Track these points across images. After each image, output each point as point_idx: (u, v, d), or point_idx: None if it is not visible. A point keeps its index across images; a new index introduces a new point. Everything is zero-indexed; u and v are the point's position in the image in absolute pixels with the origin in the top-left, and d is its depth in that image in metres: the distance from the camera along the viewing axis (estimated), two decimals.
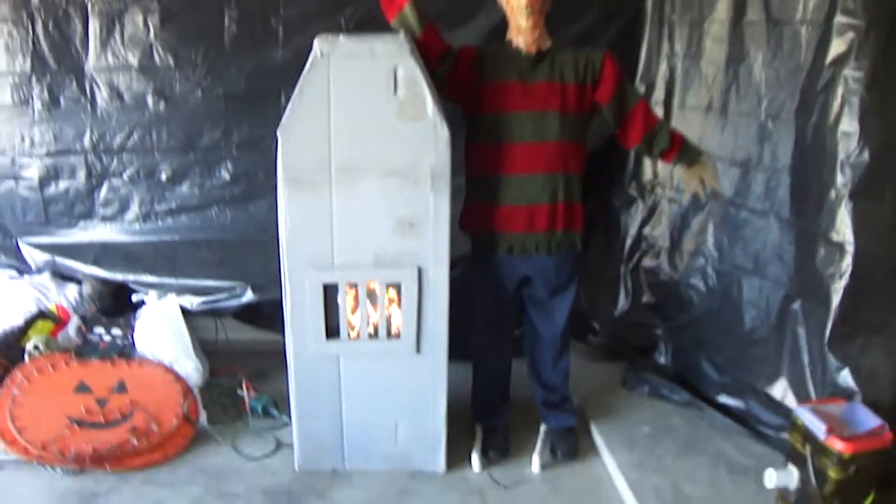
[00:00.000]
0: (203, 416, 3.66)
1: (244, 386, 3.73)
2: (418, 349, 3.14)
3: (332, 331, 3.11)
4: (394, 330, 3.16)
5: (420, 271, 3.03)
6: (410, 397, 3.24)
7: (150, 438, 3.42)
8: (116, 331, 3.92)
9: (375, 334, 3.14)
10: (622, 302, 4.28)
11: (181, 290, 4.03)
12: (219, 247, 4.01)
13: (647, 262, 4.22)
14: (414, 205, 2.98)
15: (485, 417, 3.59)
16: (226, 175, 3.97)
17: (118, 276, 4.08)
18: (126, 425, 3.45)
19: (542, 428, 3.63)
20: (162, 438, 3.45)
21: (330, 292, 3.07)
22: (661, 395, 3.94)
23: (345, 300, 3.07)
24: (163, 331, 3.81)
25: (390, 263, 3.02)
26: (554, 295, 3.38)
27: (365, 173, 2.95)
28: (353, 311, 3.14)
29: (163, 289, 4.05)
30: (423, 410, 3.25)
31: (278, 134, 2.87)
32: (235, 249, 3.98)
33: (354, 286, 3.09)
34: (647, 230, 4.20)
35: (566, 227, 3.25)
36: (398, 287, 3.08)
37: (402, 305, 3.07)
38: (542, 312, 3.44)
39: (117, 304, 4.07)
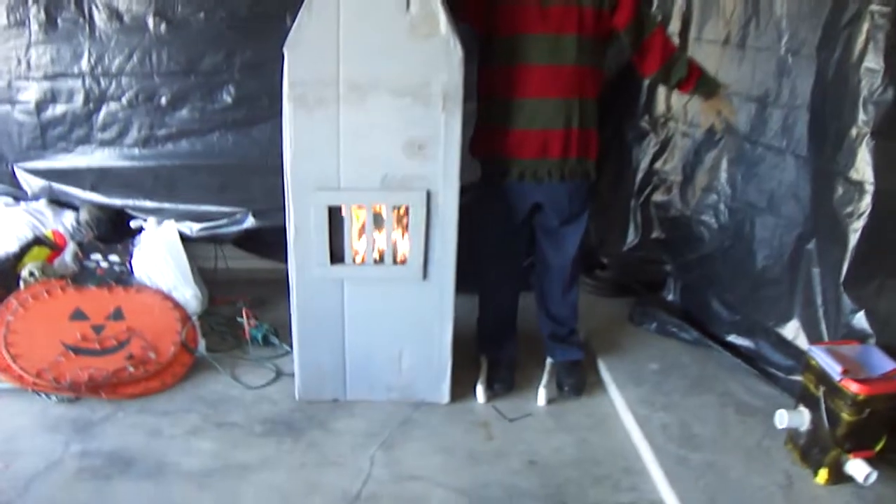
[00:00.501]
0: (202, 345, 3.52)
1: (244, 314, 3.56)
2: (425, 275, 2.98)
3: (336, 255, 2.95)
4: (400, 255, 2.99)
5: (429, 195, 2.86)
6: (415, 325, 3.09)
7: (147, 366, 3.29)
8: (114, 257, 3.76)
9: (381, 260, 2.97)
10: (631, 236, 4.13)
11: (180, 216, 3.85)
12: (220, 172, 3.82)
13: (658, 196, 4.05)
14: (424, 125, 2.80)
15: (490, 350, 3.45)
16: (228, 99, 3.78)
17: (116, 202, 3.90)
18: (122, 353, 3.31)
19: (549, 361, 3.50)
20: (159, 366, 3.32)
21: (335, 215, 2.89)
22: (669, 333, 3.82)
23: (350, 224, 2.89)
24: (161, 257, 3.65)
25: (398, 186, 2.85)
26: (565, 224, 3.23)
27: (374, 91, 2.76)
28: (359, 237, 2.96)
29: (162, 215, 3.87)
30: (428, 339, 3.11)
31: (284, 50, 2.69)
32: (237, 174, 3.80)
33: (360, 209, 2.90)
34: (658, 164, 4.02)
35: (580, 155, 3.09)
36: (406, 211, 2.90)
37: (410, 230, 2.91)
38: (553, 242, 3.29)
39: (115, 231, 3.89)
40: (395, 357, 3.14)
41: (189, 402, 3.22)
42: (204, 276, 3.94)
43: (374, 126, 2.79)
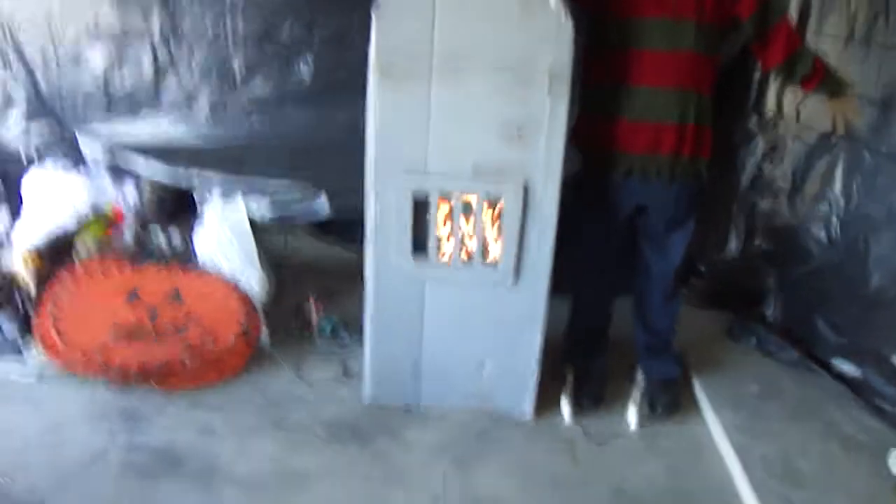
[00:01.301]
0: (264, 335, 3.15)
1: (311, 303, 3.18)
2: (517, 279, 2.57)
3: (419, 248, 2.55)
4: (490, 256, 2.58)
5: (526, 187, 2.45)
6: (502, 333, 2.68)
7: (204, 356, 2.93)
8: (175, 235, 3.41)
9: (468, 258, 2.55)
10: (732, 245, 3.68)
11: (249, 195, 3.46)
12: (292, 150, 3.44)
13: (764, 203, 3.60)
14: (525, 108, 2.39)
15: (579, 360, 3.03)
16: (305, 71, 3.39)
17: (181, 172, 3.50)
18: (178, 339, 2.96)
19: (641, 376, 3.08)
20: (217, 356, 2.95)
21: (420, 204, 2.48)
22: (769, 351, 3.37)
23: (436, 213, 2.48)
24: (226, 238, 3.29)
25: (492, 175, 2.44)
26: (671, 229, 2.81)
27: (472, 66, 2.35)
28: (446, 230, 2.56)
29: (230, 192, 3.47)
30: (514, 349, 2.70)
31: (373, 12, 2.29)
32: (310, 154, 3.42)
33: (448, 198, 2.49)
34: (766, 168, 3.57)
35: (693, 153, 2.67)
36: (498, 203, 2.49)
37: (503, 226, 2.48)
38: (656, 248, 2.86)
39: (178, 207, 3.55)
40: (476, 365, 2.74)
41: (247, 398, 2.87)
42: (271, 261, 3.56)
43: (469, 105, 2.39)
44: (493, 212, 2.54)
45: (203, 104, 3.52)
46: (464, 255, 2.58)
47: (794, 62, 2.67)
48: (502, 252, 2.53)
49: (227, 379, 2.95)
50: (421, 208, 2.50)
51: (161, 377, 2.82)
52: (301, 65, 3.41)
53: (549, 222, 2.50)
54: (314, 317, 3.19)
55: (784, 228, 3.49)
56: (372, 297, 2.63)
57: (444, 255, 2.59)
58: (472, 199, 2.51)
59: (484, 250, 2.57)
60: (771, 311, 3.55)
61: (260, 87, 3.47)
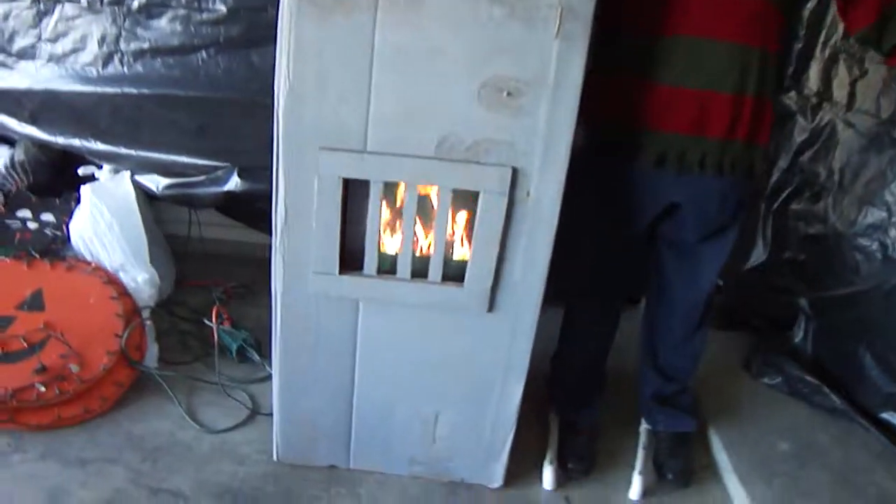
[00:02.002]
0: (152, 353, 2.30)
1: (213, 313, 2.30)
2: (492, 305, 1.72)
3: (350, 259, 1.69)
4: (454, 267, 1.71)
5: (515, 175, 1.59)
6: (466, 377, 1.85)
7: (66, 384, 2.08)
8: (47, 216, 2.54)
9: (423, 272, 1.69)
10: (757, 253, 2.84)
11: (144, 166, 2.59)
12: (201, 108, 2.54)
13: (799, 203, 2.76)
14: (522, 57, 1.53)
15: (567, 408, 2.22)
16: (221, 6, 2.48)
17: (60, 140, 2.62)
18: (32, 361, 2.10)
19: (644, 429, 2.28)
20: (83, 386, 2.11)
21: (354, 195, 1.62)
22: (798, 392, 2.59)
23: (379, 211, 1.61)
24: (105, 221, 2.38)
25: (464, 155, 1.59)
26: (707, 239, 1.99)
27: None
28: (391, 232, 1.69)
29: (120, 162, 2.60)
30: (482, 399, 1.87)
31: None
32: (223, 114, 2.53)
33: (396, 190, 1.63)
34: (804, 159, 2.72)
35: (749, 137, 1.83)
36: (473, 199, 1.62)
37: (476, 230, 1.62)
38: (684, 265, 2.05)
39: (57, 180, 2.63)
40: (428, 419, 1.91)
41: (118, 447, 2.03)
42: (173, 248, 2.68)
43: (434, 50, 1.52)
44: (465, 212, 1.68)
45: (93, 48, 2.59)
46: (414, 263, 1.72)
47: (884, 26, 1.83)
48: (473, 264, 1.67)
49: (97, 415, 2.12)
50: (355, 201, 1.64)
51: (6, 412, 1.99)
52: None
53: (544, 229, 1.65)
54: (215, 329, 2.30)
55: (824, 237, 2.66)
56: (281, 323, 1.77)
57: (385, 257, 1.73)
58: (433, 192, 1.65)
59: (446, 260, 1.70)
60: (800, 338, 2.74)
61: (165, 26, 2.54)
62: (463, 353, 1.79)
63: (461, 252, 1.72)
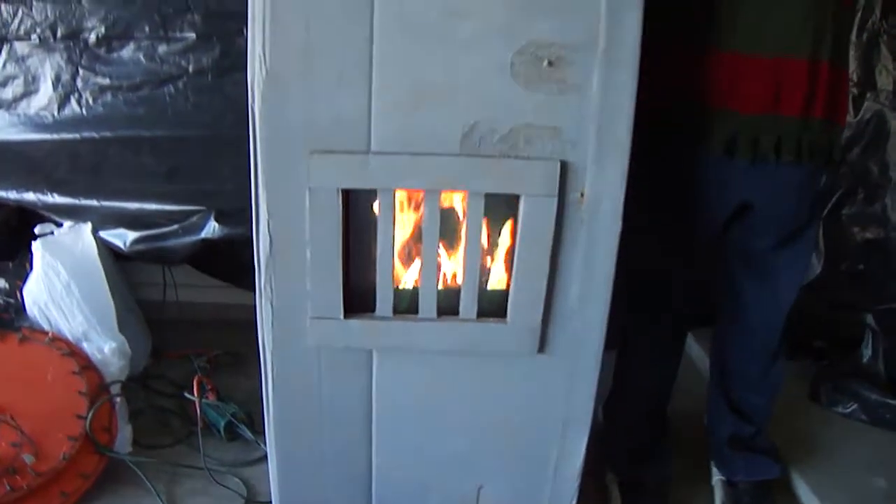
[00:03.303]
0: (124, 436, 1.81)
1: (195, 385, 1.83)
2: (542, 343, 1.25)
3: (358, 298, 1.23)
4: (492, 298, 1.25)
5: (565, 171, 1.13)
6: (515, 439, 1.38)
7: (19, 478, 1.61)
8: None
9: (453, 308, 1.24)
10: (811, 268, 2.37)
11: (108, 219, 2.14)
12: (171, 148, 2.10)
13: (852, 207, 2.30)
14: (564, 15, 1.11)
15: (629, 465, 1.71)
16: (190, 33, 2.07)
17: (13, 195, 2.16)
18: None
19: (719, 480, 1.80)
20: (40, 479, 1.64)
21: (358, 212, 1.17)
22: (880, 419, 2.15)
23: (391, 230, 1.16)
24: (62, 282, 1.92)
25: (498, 149, 1.14)
26: (784, 244, 1.55)
27: None
28: (408, 259, 1.24)
29: (82, 215, 2.14)
30: (536, 465, 1.40)
31: None
32: (196, 153, 2.09)
33: (412, 202, 1.18)
34: (852, 157, 2.27)
35: (827, 114, 1.42)
36: (511, 208, 1.18)
37: (518, 247, 1.17)
38: (760, 278, 1.61)
39: (10, 241, 2.18)
40: (467, 498, 1.41)
41: None
42: (147, 314, 2.22)
43: (453, 12, 1.10)
44: (500, 226, 1.23)
45: (46, 89, 2.17)
46: (439, 298, 1.25)
47: None
48: (516, 292, 1.21)
49: None
50: (359, 221, 1.19)
51: None
52: (184, 25, 2.10)
53: (605, 239, 1.21)
54: (198, 405, 1.82)
55: (884, 241, 2.23)
56: (273, 388, 1.30)
57: (403, 293, 1.27)
58: (459, 201, 1.20)
59: (481, 290, 1.24)
60: (870, 358, 2.31)
61: (128, 58, 2.13)
62: (509, 408, 1.33)
63: (499, 278, 1.27)
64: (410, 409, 1.33)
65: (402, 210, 1.22)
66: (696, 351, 2.45)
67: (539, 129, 1.15)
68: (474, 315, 1.25)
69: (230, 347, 2.19)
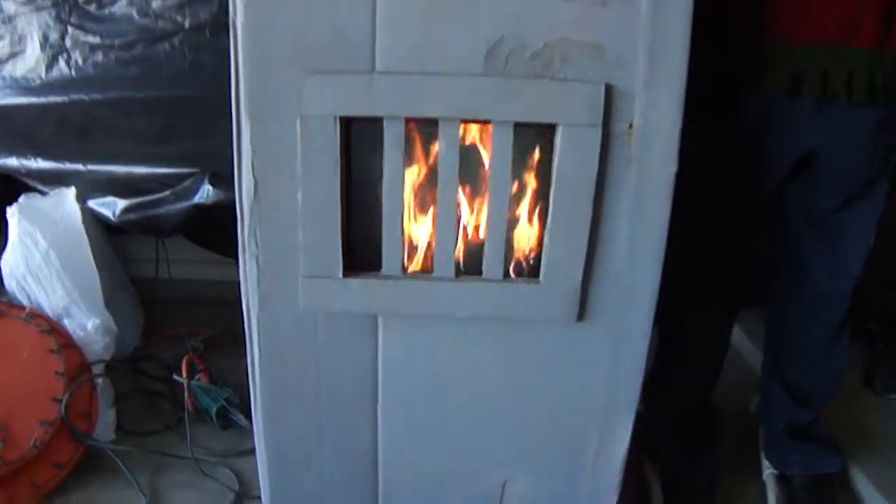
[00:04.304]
0: (106, 422, 1.61)
1: (184, 365, 1.62)
2: (583, 309, 1.01)
3: (360, 253, 1.01)
4: (520, 256, 1.02)
5: (609, 95, 0.90)
6: (548, 424, 1.14)
7: None
8: None
9: (474, 267, 1.00)
10: None
11: (96, 185, 1.94)
12: (164, 109, 1.90)
13: None
14: None
15: (674, 457, 1.48)
16: None
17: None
18: None
19: (771, 474, 1.56)
20: (8, 467, 1.45)
21: (360, 147, 0.94)
22: None
23: (400, 170, 0.93)
24: (43, 252, 1.71)
25: (530, 69, 0.92)
26: (852, 202, 1.33)
27: None
28: (421, 207, 1.01)
29: (68, 181, 1.94)
30: (572, 455, 1.16)
31: None
32: (190, 113, 1.88)
33: (426, 134, 0.94)
34: None
35: None
36: (544, 143, 0.93)
37: (555, 190, 0.94)
38: (825, 240, 1.38)
39: None
40: (490, 493, 1.18)
41: None
42: (140, 292, 2.01)
43: None
44: (531, 164, 1.00)
45: (34, 49, 1.98)
46: (460, 250, 1.03)
47: None
48: (551, 246, 0.98)
49: None
50: (361, 158, 0.96)
51: None
52: None
53: (657, 182, 0.98)
54: (186, 388, 1.61)
55: None
56: (260, 361, 1.07)
57: (416, 260, 1.03)
58: (484, 132, 0.97)
59: (510, 248, 1.01)
60: None
61: (119, 15, 1.94)
62: (541, 386, 1.10)
63: (530, 231, 1.04)
64: (423, 388, 1.10)
65: (413, 146, 0.99)
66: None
67: (578, 45, 0.92)
68: (500, 274, 1.03)
69: (228, 327, 1.97)
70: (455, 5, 0.90)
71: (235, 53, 0.93)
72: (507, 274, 1.03)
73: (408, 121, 0.95)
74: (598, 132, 0.94)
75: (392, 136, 0.94)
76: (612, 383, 1.09)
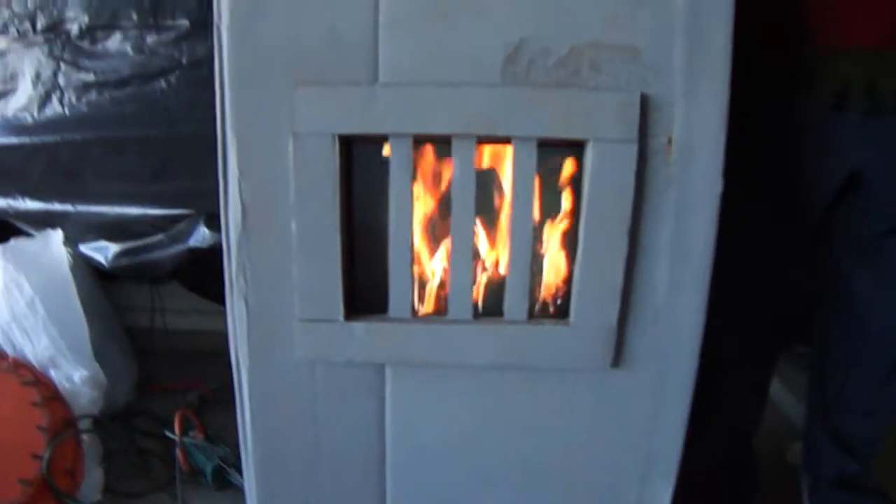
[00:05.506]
0: (92, 482, 1.46)
1: (176, 422, 1.46)
2: (618, 353, 0.85)
3: (364, 294, 0.85)
4: (547, 292, 0.87)
5: (645, 107, 0.75)
6: (579, 484, 0.96)
7: None
8: None
9: (495, 307, 0.85)
10: None
11: (87, 227, 1.81)
12: (159, 148, 1.77)
13: None
14: None
15: None
16: (183, 20, 1.78)
17: None
18: None
19: None
20: None
21: (363, 170, 0.80)
22: None
23: (408, 195, 0.79)
24: (28, 299, 1.58)
25: (554, 77, 0.76)
26: None
27: None
28: (432, 239, 0.86)
29: (58, 224, 1.82)
30: None
31: None
32: (185, 152, 1.75)
33: (440, 152, 0.81)
34: None
35: None
36: (573, 156, 0.80)
37: (585, 216, 0.78)
38: (872, 272, 1.21)
39: None
40: None
41: None
42: (135, 340, 1.86)
43: None
44: (557, 188, 0.86)
45: (26, 87, 1.88)
46: (479, 295, 0.87)
47: None
48: (582, 281, 0.83)
49: None
50: (363, 183, 0.82)
51: None
52: (176, 10, 1.80)
53: (702, 204, 0.82)
54: (179, 448, 1.44)
55: None
56: (252, 418, 0.91)
57: (427, 301, 0.89)
58: (506, 152, 0.83)
59: (535, 285, 0.86)
60: None
61: (114, 51, 1.83)
62: (571, 442, 0.94)
63: (558, 265, 0.88)
64: (437, 448, 0.95)
65: (422, 170, 0.85)
66: None
67: (610, 49, 0.79)
68: (524, 315, 0.87)
69: (225, 381, 1.81)
70: (468, 4, 0.77)
71: (220, 63, 0.80)
72: (531, 315, 0.88)
73: (416, 139, 0.81)
74: (634, 148, 0.80)
75: (399, 158, 0.81)
76: (651, 438, 0.93)
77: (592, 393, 0.91)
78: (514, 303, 0.87)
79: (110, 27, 1.82)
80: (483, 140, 0.83)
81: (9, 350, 1.62)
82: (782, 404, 1.86)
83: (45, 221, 1.84)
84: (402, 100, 0.79)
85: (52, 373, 1.56)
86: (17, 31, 1.85)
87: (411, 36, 0.78)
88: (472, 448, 0.94)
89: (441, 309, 0.90)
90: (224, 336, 1.75)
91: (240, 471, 1.44)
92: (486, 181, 0.87)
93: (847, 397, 1.31)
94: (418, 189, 0.85)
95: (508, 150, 0.84)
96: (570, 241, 0.87)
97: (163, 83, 1.80)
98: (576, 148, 0.83)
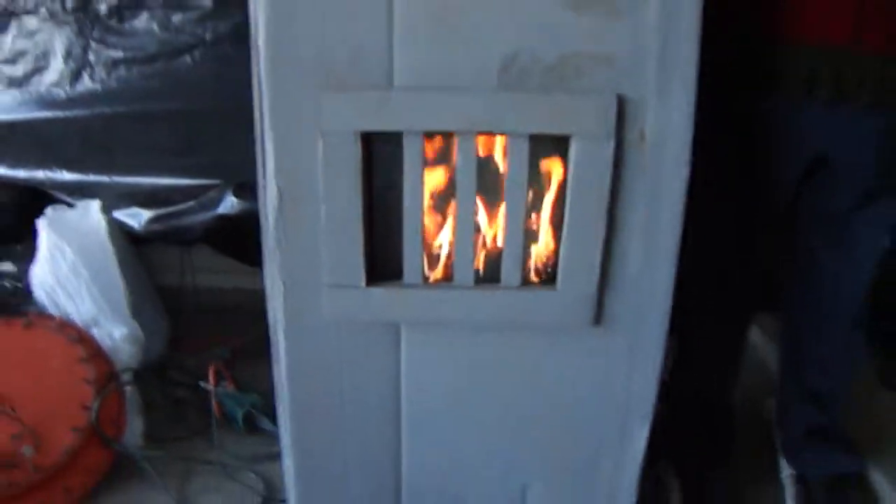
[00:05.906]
0: (135, 429, 1.64)
1: (210, 373, 1.65)
2: (599, 314, 1.03)
3: (382, 263, 1.03)
4: (538, 263, 1.03)
5: (622, 106, 0.91)
6: (566, 429, 1.15)
7: (18, 472, 1.46)
8: (5, 265, 1.91)
9: (493, 275, 1.02)
10: None
11: (122, 197, 1.99)
12: (187, 121, 1.95)
13: None
14: None
15: (692, 468, 1.48)
16: (206, 1, 1.90)
17: (21, 174, 2.01)
18: None
19: (789, 475, 1.55)
20: (41, 474, 1.48)
21: (381, 161, 0.97)
22: None
23: (420, 181, 0.96)
24: (71, 264, 1.75)
25: (544, 81, 0.93)
26: (865, 204, 1.31)
27: None
28: (440, 217, 1.03)
29: (94, 193, 1.99)
30: (590, 460, 1.17)
31: None
32: (213, 125, 1.93)
33: (443, 146, 0.96)
34: None
35: None
36: (559, 154, 0.96)
37: (570, 199, 0.96)
38: (836, 244, 1.37)
39: (19, 222, 2.01)
40: (511, 498, 1.19)
41: None
42: (165, 299, 2.04)
43: None
44: (546, 175, 1.03)
45: (58, 64, 2.03)
46: (481, 260, 1.05)
47: None
48: (567, 253, 1.01)
49: None
50: (382, 171, 0.99)
51: None
52: None
53: (670, 189, 0.99)
54: (213, 395, 1.64)
55: None
56: (287, 371, 1.10)
57: (437, 269, 1.05)
58: (498, 145, 0.99)
59: (527, 256, 1.03)
60: None
61: (142, 28, 1.98)
62: (559, 392, 1.12)
63: (547, 239, 1.06)
64: (444, 397, 1.13)
65: (431, 160, 1.02)
66: None
67: (590, 57, 0.95)
68: (518, 281, 1.05)
69: (251, 336, 2.00)
70: (470, 22, 0.93)
71: (258, 72, 0.95)
72: (524, 282, 1.05)
73: (426, 134, 0.97)
74: (612, 142, 0.96)
75: (411, 151, 0.97)
76: (629, 388, 1.11)
77: (576, 348, 1.08)
78: (509, 271, 1.04)
79: (137, 6, 1.97)
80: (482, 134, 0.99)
81: (54, 311, 1.81)
82: (769, 362, 2.04)
83: (81, 191, 2.01)
84: (414, 101, 0.95)
85: (95, 331, 1.75)
86: (48, 10, 2.00)
87: (422, 48, 0.94)
88: (474, 395, 1.12)
89: (448, 276, 1.07)
90: (247, 293, 1.94)
91: (268, 417, 1.65)
92: (487, 166, 1.04)
93: (817, 359, 1.48)
94: (428, 175, 1.02)
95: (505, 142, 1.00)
96: (557, 220, 1.03)
97: (188, 59, 1.95)
98: (562, 141, 0.99)
